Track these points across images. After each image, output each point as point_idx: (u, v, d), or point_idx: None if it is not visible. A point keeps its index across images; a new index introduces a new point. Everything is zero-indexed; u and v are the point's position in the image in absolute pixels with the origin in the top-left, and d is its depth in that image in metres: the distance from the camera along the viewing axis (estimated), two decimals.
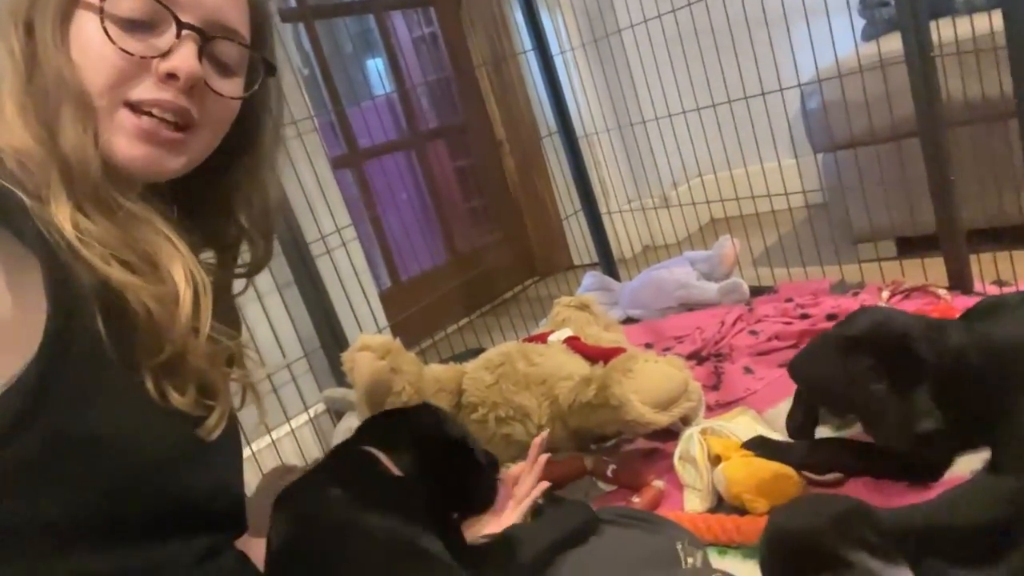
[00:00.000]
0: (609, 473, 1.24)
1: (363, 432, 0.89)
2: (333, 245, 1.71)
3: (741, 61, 1.78)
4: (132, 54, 0.62)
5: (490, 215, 2.75)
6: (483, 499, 0.90)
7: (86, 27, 0.62)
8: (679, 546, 0.84)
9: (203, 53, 0.64)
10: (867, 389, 0.99)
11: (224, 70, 0.68)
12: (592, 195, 2.23)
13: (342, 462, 0.84)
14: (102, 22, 0.61)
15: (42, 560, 0.58)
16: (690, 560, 0.84)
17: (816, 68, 1.80)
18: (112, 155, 0.62)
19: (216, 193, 0.74)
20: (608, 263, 2.29)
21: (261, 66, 0.71)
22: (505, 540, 0.80)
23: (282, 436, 1.57)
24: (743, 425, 1.23)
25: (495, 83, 2.64)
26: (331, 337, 1.61)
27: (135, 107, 0.62)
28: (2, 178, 0.57)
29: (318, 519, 0.74)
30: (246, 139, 0.73)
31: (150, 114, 0.63)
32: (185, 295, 0.61)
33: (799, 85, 1.78)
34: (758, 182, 1.94)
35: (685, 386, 1.23)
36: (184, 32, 0.63)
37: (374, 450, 0.82)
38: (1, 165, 0.58)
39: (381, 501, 0.74)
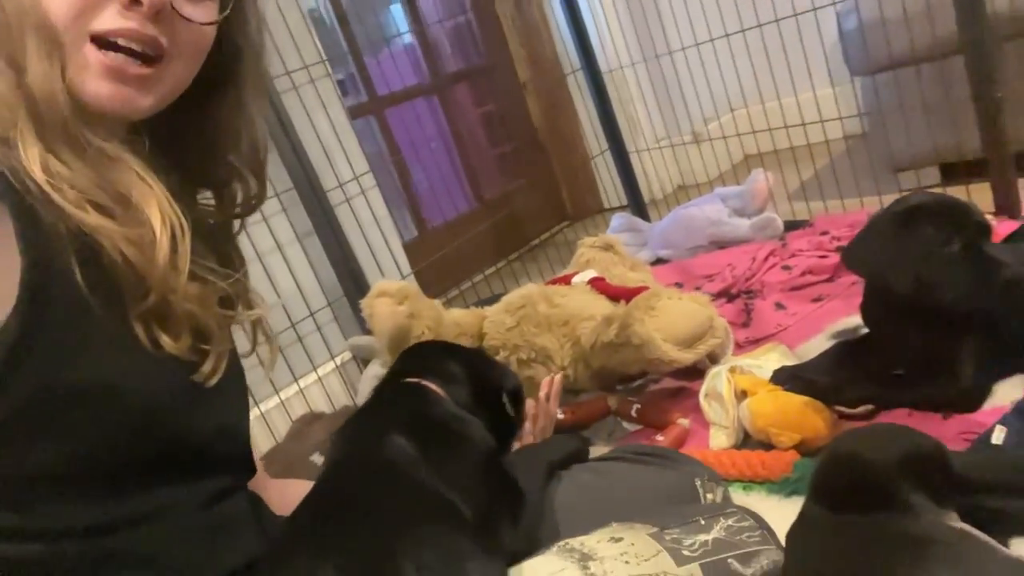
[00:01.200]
0: (633, 412, 1.22)
1: (415, 361, 0.87)
2: (352, 193, 1.69)
3: None
4: None
5: (517, 159, 2.70)
6: (508, 443, 0.89)
7: None
8: (698, 482, 0.82)
9: None
10: (939, 252, 0.92)
11: None
12: (619, 134, 2.16)
13: (403, 397, 0.81)
14: None
15: (43, 509, 0.58)
16: (709, 496, 0.82)
17: None
18: (81, 94, 0.60)
19: (201, 131, 0.71)
20: (638, 204, 2.23)
21: None
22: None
23: (310, 384, 1.58)
24: (773, 361, 1.20)
25: (517, 22, 2.56)
26: (354, 286, 1.60)
27: (101, 41, 0.60)
28: None
29: (371, 460, 0.71)
30: (226, 71, 0.70)
31: (115, 46, 0.60)
32: (162, 236, 0.59)
33: (835, 2, 1.67)
34: (793, 114, 1.85)
35: (710, 323, 1.19)
36: None
37: (433, 385, 0.80)
38: None
39: (431, 449, 0.72)
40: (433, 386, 0.79)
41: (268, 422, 1.46)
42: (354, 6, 2.32)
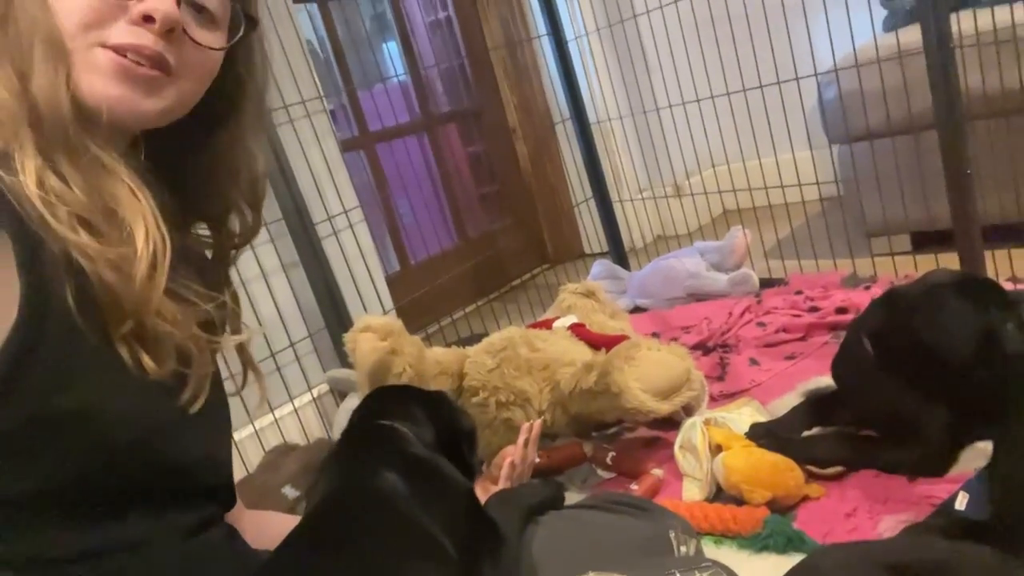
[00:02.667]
0: (608, 460, 1.23)
1: (382, 404, 0.88)
2: (340, 227, 1.70)
3: (758, 49, 1.75)
4: None
5: (501, 200, 2.74)
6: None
7: None
8: (672, 534, 0.83)
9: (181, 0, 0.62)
10: (1000, 327, 0.94)
11: (204, 20, 0.65)
12: (604, 183, 2.21)
13: (383, 437, 0.81)
14: None
15: (25, 535, 0.57)
16: (683, 548, 0.83)
17: (834, 58, 1.77)
18: (88, 95, 0.60)
19: (200, 162, 0.72)
20: (618, 252, 2.27)
21: (243, 20, 0.68)
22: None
23: (285, 415, 1.57)
24: (746, 416, 1.22)
25: (509, 68, 2.63)
26: (336, 318, 1.60)
27: (111, 49, 0.61)
28: None
29: (365, 494, 0.72)
30: (228, 103, 0.71)
31: (125, 57, 0.61)
32: (142, 253, 0.59)
33: (816, 74, 1.75)
34: (772, 174, 1.92)
35: (687, 375, 1.22)
36: None
37: (400, 426, 0.81)
38: None
39: (419, 487, 0.72)
40: (403, 429, 0.80)
41: (240, 451, 1.45)
42: (350, 42, 2.37)
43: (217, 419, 0.77)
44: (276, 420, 1.54)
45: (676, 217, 2.54)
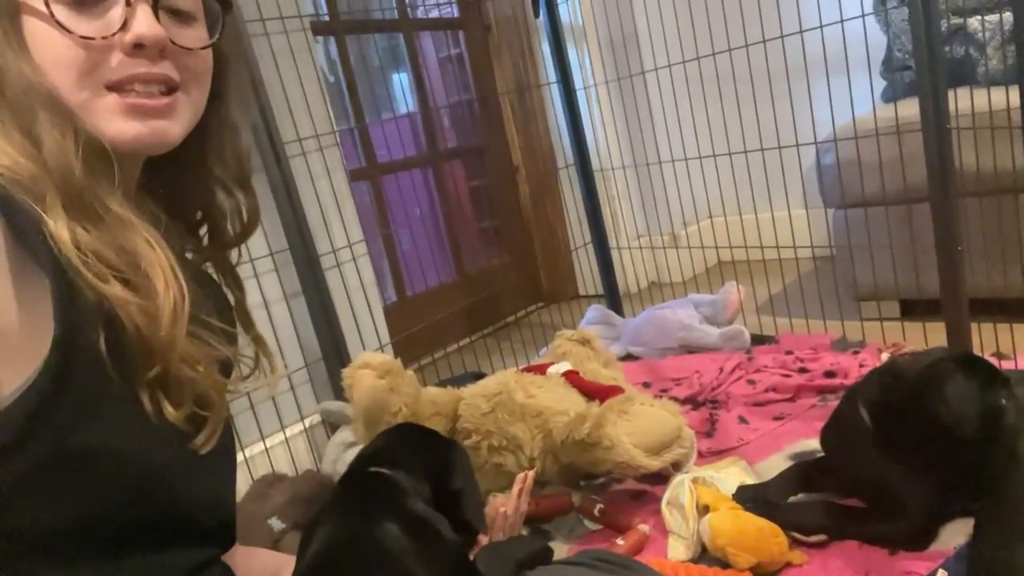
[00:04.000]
0: (596, 512, 1.25)
1: (385, 448, 0.89)
2: (343, 259, 1.72)
3: (760, 112, 1.81)
4: (92, 38, 0.60)
5: (500, 238, 2.78)
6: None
7: (37, 26, 0.60)
8: None
9: (158, 12, 0.62)
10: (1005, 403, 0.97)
11: (183, 20, 0.66)
12: (603, 229, 2.25)
13: (382, 487, 0.82)
14: (52, 16, 0.59)
15: (33, 571, 0.58)
16: None
17: (833, 126, 1.82)
18: (116, 139, 0.62)
19: (187, 143, 0.71)
20: (613, 297, 2.30)
21: (218, 8, 0.69)
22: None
23: (275, 444, 1.58)
24: (733, 476, 1.25)
25: (517, 110, 2.68)
26: (333, 350, 1.62)
27: (118, 88, 0.62)
28: (4, 187, 0.56)
29: (366, 545, 0.72)
30: (215, 84, 0.71)
31: (133, 91, 0.62)
32: (164, 305, 0.60)
33: (815, 143, 1.80)
34: (767, 229, 1.96)
35: (678, 432, 1.24)
36: None
37: (398, 477, 0.82)
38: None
39: (418, 541, 0.73)
40: (401, 480, 0.81)
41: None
42: (363, 71, 2.41)
43: (225, 460, 0.78)
44: (267, 448, 1.55)
45: (671, 265, 2.59)
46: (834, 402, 1.47)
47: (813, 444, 1.34)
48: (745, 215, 2.05)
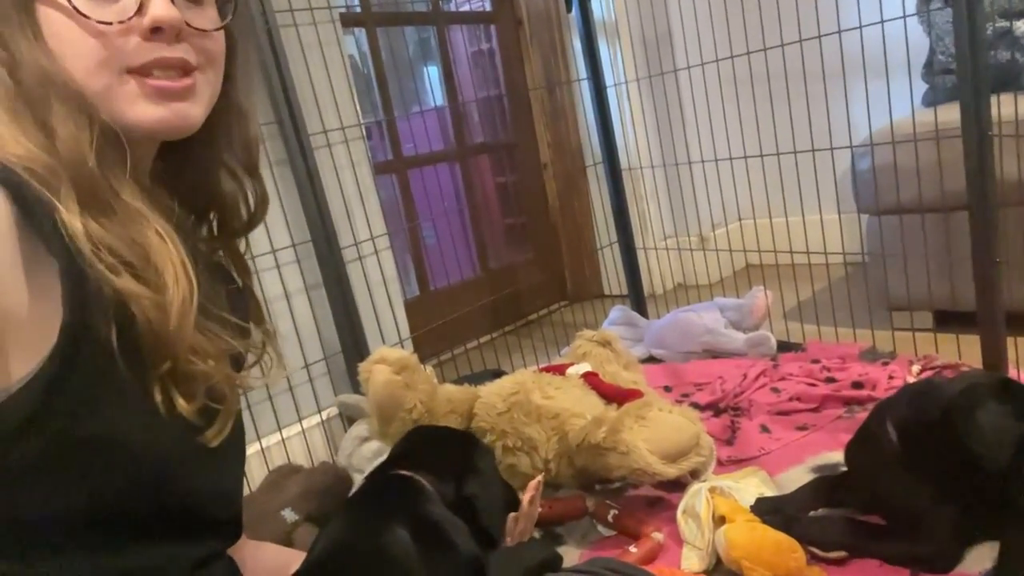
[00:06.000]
0: (610, 518, 1.22)
1: (414, 449, 0.88)
2: (366, 252, 1.72)
3: (795, 114, 1.76)
4: (109, 23, 0.60)
5: (526, 234, 2.76)
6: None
7: (53, 14, 0.60)
8: None
9: None
10: None
11: (196, 2, 0.66)
12: (629, 229, 2.22)
13: (403, 489, 0.81)
14: (70, 3, 0.59)
15: (39, 558, 0.58)
16: None
17: (870, 129, 1.77)
18: (137, 123, 0.62)
19: (197, 135, 0.71)
20: (638, 298, 2.27)
21: None
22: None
23: (292, 436, 1.58)
24: (752, 487, 1.22)
25: (546, 105, 2.66)
26: (352, 343, 1.62)
27: (138, 72, 0.62)
28: (19, 174, 0.56)
29: (374, 549, 0.72)
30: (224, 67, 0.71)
31: (154, 75, 0.62)
32: (173, 296, 0.60)
33: (851, 147, 1.75)
34: (798, 232, 1.91)
35: (697, 440, 1.21)
36: None
37: (423, 480, 0.81)
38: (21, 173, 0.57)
39: (428, 549, 0.72)
40: (425, 483, 0.80)
41: (245, 468, 1.46)
42: (393, 64, 2.41)
43: (234, 453, 0.78)
44: (283, 439, 1.55)
45: (698, 267, 2.55)
46: (861, 414, 1.44)
47: (836, 457, 1.30)
48: (776, 218, 2.01)
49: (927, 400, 1.01)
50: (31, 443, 0.56)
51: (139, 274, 0.59)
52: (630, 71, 2.38)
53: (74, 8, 0.60)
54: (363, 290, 1.71)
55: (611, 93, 2.19)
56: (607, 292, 2.76)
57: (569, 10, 2.13)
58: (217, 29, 0.67)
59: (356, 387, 1.58)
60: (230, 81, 0.73)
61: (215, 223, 0.78)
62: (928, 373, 1.54)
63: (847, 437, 1.39)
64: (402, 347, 1.79)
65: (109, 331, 0.57)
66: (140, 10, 0.61)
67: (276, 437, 1.55)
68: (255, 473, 1.50)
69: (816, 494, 1.15)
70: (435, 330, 2.00)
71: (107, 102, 0.61)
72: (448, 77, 2.50)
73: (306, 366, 1.60)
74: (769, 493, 1.21)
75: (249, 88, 0.76)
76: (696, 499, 1.15)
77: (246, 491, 1.45)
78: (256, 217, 0.79)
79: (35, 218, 0.55)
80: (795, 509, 1.12)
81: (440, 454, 0.87)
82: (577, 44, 2.21)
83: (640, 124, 2.42)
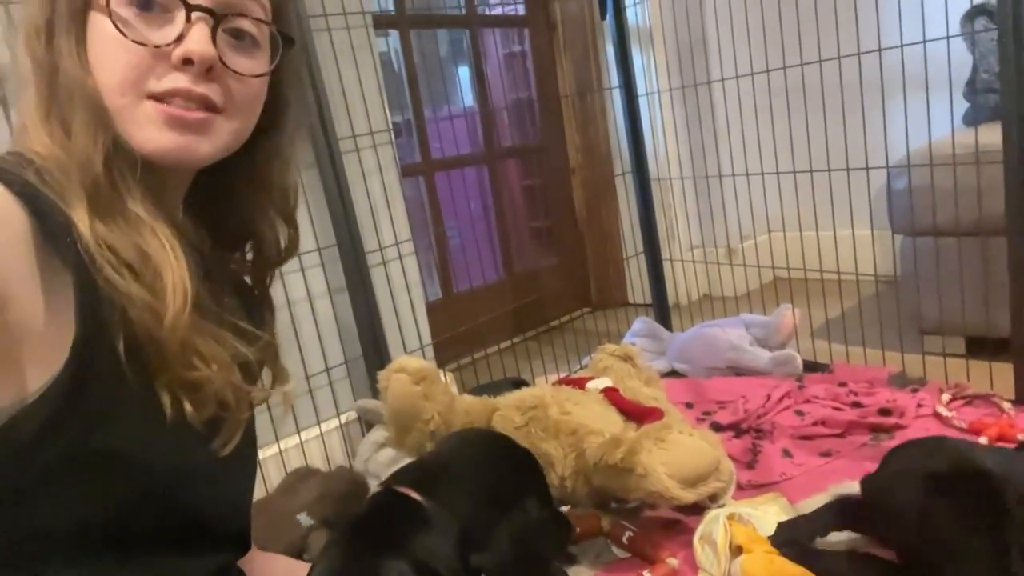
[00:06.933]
0: (625, 539, 1.21)
1: (431, 472, 0.83)
2: (390, 257, 1.72)
3: (830, 131, 1.73)
4: (145, 44, 0.61)
5: (552, 239, 2.74)
6: None
7: (100, 26, 0.62)
8: None
9: (216, 33, 0.63)
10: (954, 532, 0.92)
11: (244, 47, 0.66)
12: (656, 241, 2.19)
13: (394, 516, 0.76)
14: (111, 16, 0.61)
15: (51, 569, 0.59)
16: None
17: (908, 148, 1.73)
18: (143, 147, 0.62)
19: (237, 174, 0.73)
20: (662, 307, 2.25)
21: (280, 40, 0.70)
22: None
23: (311, 439, 1.59)
24: (772, 515, 1.19)
25: (577, 110, 2.64)
26: (373, 348, 1.62)
27: (158, 98, 0.62)
28: (44, 190, 0.57)
29: None
30: (269, 119, 0.72)
31: (173, 103, 0.63)
32: (170, 303, 0.60)
33: (887, 167, 1.71)
34: (828, 246, 1.87)
35: (716, 465, 1.19)
36: (194, 15, 0.62)
37: (428, 512, 0.75)
38: (34, 173, 0.58)
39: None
40: (430, 512, 0.76)
41: (262, 471, 1.47)
42: (423, 65, 2.40)
43: (244, 464, 0.79)
44: (301, 442, 1.56)
45: (725, 279, 2.52)
46: (887, 442, 1.41)
47: (859, 486, 1.27)
48: (806, 232, 1.97)
49: (961, 458, 0.97)
50: (45, 455, 0.56)
51: (138, 276, 0.60)
52: (663, 81, 2.35)
53: (117, 25, 0.61)
54: (386, 295, 1.71)
55: (643, 102, 2.16)
56: (631, 300, 2.74)
57: (603, 17, 2.11)
58: (256, 76, 0.67)
59: (376, 392, 1.58)
60: (276, 133, 0.74)
61: (249, 254, 0.80)
62: (958, 403, 1.50)
63: (872, 466, 1.35)
64: (423, 353, 1.79)
65: (118, 339, 0.58)
66: (179, 39, 0.62)
67: (295, 440, 1.55)
68: (272, 475, 1.51)
69: (835, 517, 1.12)
70: (457, 334, 1.99)
71: (121, 121, 0.62)
72: (479, 81, 2.49)
73: (327, 369, 1.60)
74: None
75: (295, 141, 0.77)
76: (714, 525, 1.13)
77: (263, 493, 1.46)
78: (286, 256, 0.81)
79: (52, 232, 0.56)
80: (812, 531, 1.09)
81: (472, 483, 0.79)
82: (611, 50, 2.18)
83: (671, 135, 2.39)
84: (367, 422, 1.64)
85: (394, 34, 2.30)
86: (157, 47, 0.61)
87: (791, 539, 1.08)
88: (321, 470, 1.55)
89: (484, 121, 2.54)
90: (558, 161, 2.68)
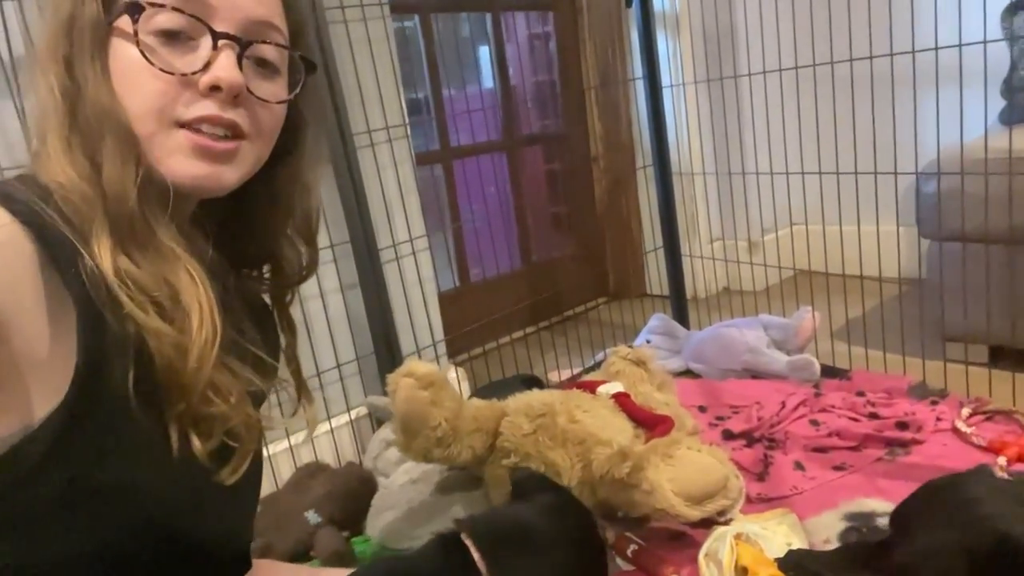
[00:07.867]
0: (629, 553, 1.20)
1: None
2: (403, 253, 1.71)
3: (859, 130, 1.67)
4: (172, 72, 0.61)
5: (572, 228, 2.71)
6: None
7: (124, 53, 0.61)
8: None
9: (242, 60, 0.64)
10: None
11: (267, 73, 0.67)
12: (676, 235, 2.16)
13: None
14: (138, 45, 0.61)
15: None
16: None
17: (938, 151, 1.67)
18: (172, 176, 0.62)
19: (257, 199, 0.74)
20: (680, 301, 2.22)
21: (301, 65, 0.71)
22: None
23: (320, 434, 1.59)
24: (780, 535, 1.18)
25: (600, 98, 2.59)
26: (385, 345, 1.61)
27: (187, 126, 0.62)
28: (53, 218, 0.57)
29: None
30: (289, 143, 0.73)
31: (200, 131, 0.63)
32: (196, 339, 0.60)
33: (916, 172, 1.66)
34: (851, 242, 1.82)
35: (724, 483, 1.17)
36: (221, 42, 0.62)
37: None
38: (53, 204, 0.58)
39: None
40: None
41: (273, 465, 1.48)
42: (441, 52, 2.36)
43: (248, 491, 0.79)
44: (311, 437, 1.57)
45: (745, 273, 2.48)
46: (903, 457, 1.39)
47: (872, 504, 1.26)
48: (829, 226, 1.92)
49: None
50: (46, 486, 0.56)
51: (165, 313, 0.60)
52: (688, 72, 2.29)
53: (142, 53, 0.61)
54: (399, 291, 1.70)
55: (667, 94, 2.11)
56: (649, 291, 2.71)
57: (628, 5, 2.06)
58: (280, 103, 0.68)
59: (387, 389, 1.59)
60: (295, 156, 0.74)
61: (267, 273, 0.81)
62: (978, 418, 1.47)
63: (886, 482, 1.34)
64: (435, 350, 1.78)
65: (127, 373, 0.58)
66: (206, 67, 0.62)
67: (304, 435, 1.56)
68: (282, 470, 1.52)
69: (848, 561, 1.10)
70: (470, 319, 1.98)
71: (150, 148, 0.62)
72: (501, 67, 2.45)
73: (338, 366, 1.60)
74: (797, 541, 1.17)
75: (315, 164, 0.77)
76: (720, 544, 1.12)
77: (271, 489, 1.48)
78: (306, 275, 0.82)
79: (58, 260, 0.56)
80: (826, 569, 1.07)
81: (547, 569, 0.71)
82: (636, 38, 2.13)
83: (695, 128, 2.33)
84: (377, 419, 1.64)
85: (416, 24, 2.26)
86: (184, 75, 0.62)
87: (799, 566, 1.06)
88: (331, 466, 1.56)
89: (504, 109, 2.50)
90: (580, 149, 2.64)
